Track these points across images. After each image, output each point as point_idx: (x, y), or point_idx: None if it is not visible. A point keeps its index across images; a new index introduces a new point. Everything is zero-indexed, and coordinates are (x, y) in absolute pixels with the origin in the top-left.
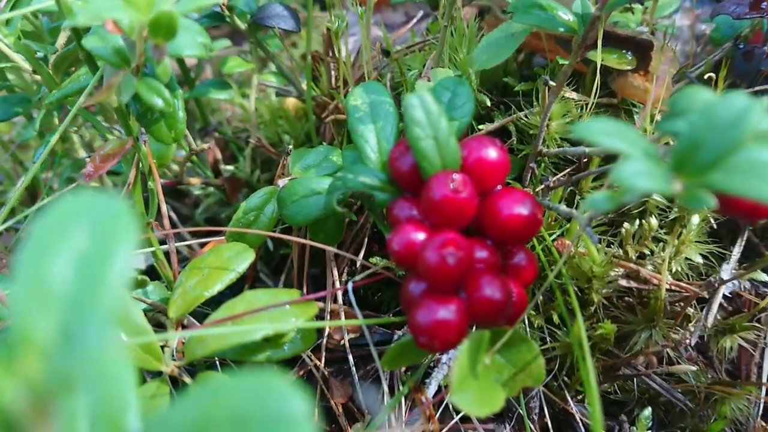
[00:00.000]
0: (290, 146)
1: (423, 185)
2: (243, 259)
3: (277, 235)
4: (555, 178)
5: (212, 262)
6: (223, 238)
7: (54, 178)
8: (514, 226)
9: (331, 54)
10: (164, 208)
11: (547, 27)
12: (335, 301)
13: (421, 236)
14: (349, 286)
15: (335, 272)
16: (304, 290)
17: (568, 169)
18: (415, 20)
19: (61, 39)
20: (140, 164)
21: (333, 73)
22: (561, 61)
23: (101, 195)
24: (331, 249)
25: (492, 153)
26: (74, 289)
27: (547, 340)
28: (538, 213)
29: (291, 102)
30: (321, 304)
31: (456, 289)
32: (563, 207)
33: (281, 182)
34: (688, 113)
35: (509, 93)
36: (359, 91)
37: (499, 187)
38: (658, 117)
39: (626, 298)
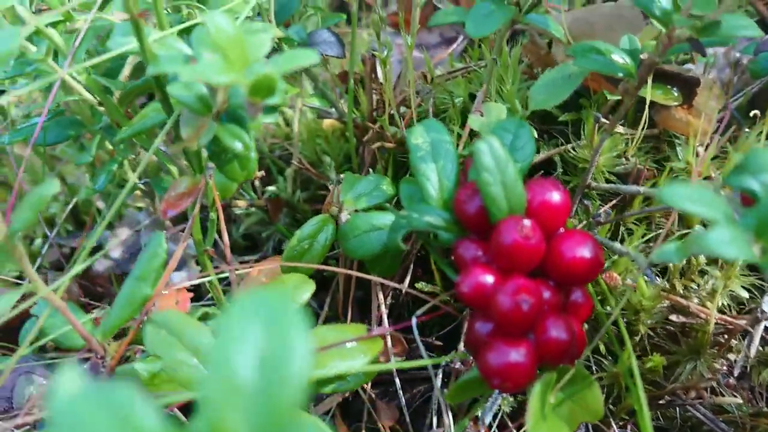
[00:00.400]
0: (341, 175)
1: (489, 228)
2: (304, 290)
3: (330, 267)
4: (603, 210)
5: None
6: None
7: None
8: (578, 268)
9: (372, 77)
10: (226, 238)
11: (605, 71)
12: (380, 323)
13: (490, 279)
14: (413, 321)
15: (380, 296)
16: (349, 313)
17: (614, 201)
18: (455, 45)
19: (125, 72)
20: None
21: (374, 96)
22: (609, 96)
23: (272, 295)
24: (377, 279)
25: (555, 196)
26: (258, 385)
27: (594, 369)
28: (600, 255)
29: (328, 121)
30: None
31: (526, 332)
32: (618, 245)
33: (343, 216)
34: (762, 174)
35: (550, 120)
36: (420, 130)
37: (561, 229)
38: (700, 150)
39: (668, 327)
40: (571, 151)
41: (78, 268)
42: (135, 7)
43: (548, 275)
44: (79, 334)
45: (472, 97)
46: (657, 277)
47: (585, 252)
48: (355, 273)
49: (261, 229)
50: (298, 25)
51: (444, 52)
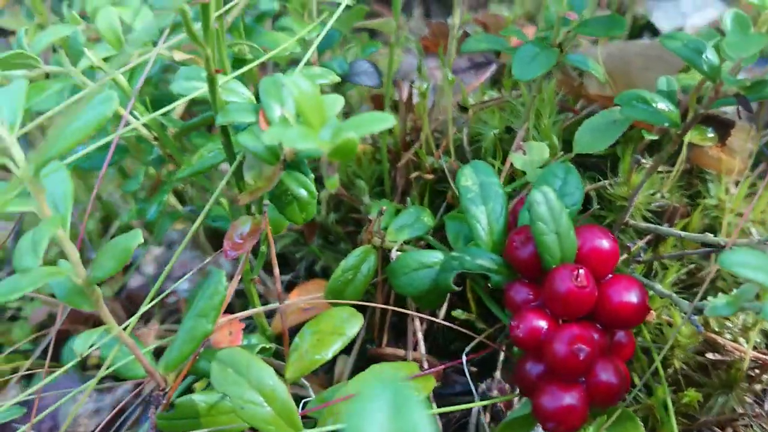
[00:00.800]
0: (383, 207)
1: (541, 272)
2: (353, 323)
3: (372, 304)
4: (638, 245)
5: (325, 327)
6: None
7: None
8: (626, 313)
9: (407, 104)
10: (277, 271)
11: (652, 121)
12: (415, 348)
13: (543, 324)
14: (463, 359)
15: (417, 322)
16: (385, 337)
17: (648, 237)
18: (488, 74)
19: (179, 109)
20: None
21: (409, 123)
22: (646, 135)
23: (393, 380)
24: (415, 314)
25: (605, 244)
26: None
27: (627, 400)
28: (647, 300)
29: (360, 145)
30: (401, 352)
31: (579, 377)
32: (659, 286)
33: (393, 254)
34: None
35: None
36: (469, 171)
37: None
38: (732, 188)
39: (699, 359)
40: (608, 188)
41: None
42: (214, 64)
43: (596, 318)
44: (144, 368)
45: (508, 129)
46: (701, 327)
47: (633, 297)
48: (394, 308)
49: (294, 249)
50: (340, 57)
51: (473, 76)
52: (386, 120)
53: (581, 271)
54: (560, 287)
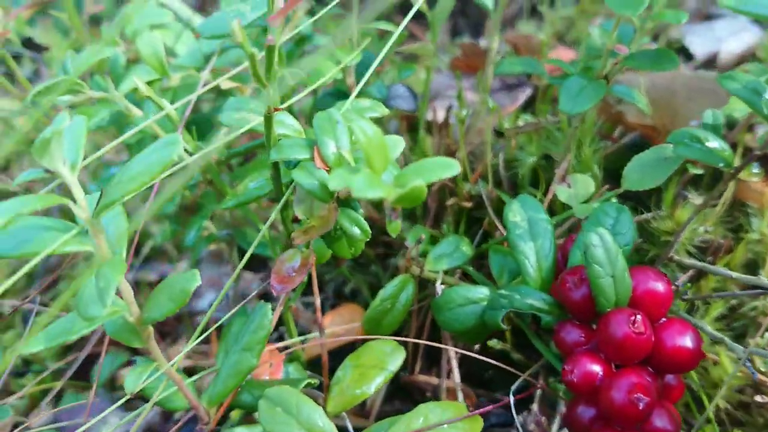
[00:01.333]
0: (422, 235)
1: (595, 315)
2: (395, 357)
3: (409, 340)
4: (681, 280)
5: (367, 360)
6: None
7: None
8: (681, 359)
9: (441, 128)
10: (318, 302)
11: (706, 161)
12: (448, 376)
13: (598, 369)
14: (511, 399)
15: (451, 351)
16: (418, 363)
17: (690, 272)
18: (523, 100)
19: (221, 138)
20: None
21: (443, 146)
22: (691, 170)
23: None
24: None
25: (659, 287)
26: None
27: None
28: (701, 345)
29: None
30: (435, 380)
31: (636, 425)
32: (709, 328)
33: (438, 288)
34: None
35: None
36: (517, 207)
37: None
38: None
39: (741, 397)
40: (652, 221)
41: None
42: (274, 103)
43: (649, 362)
44: (188, 401)
45: (546, 157)
46: (756, 373)
47: (688, 342)
48: (431, 343)
49: (323, 271)
50: (378, 82)
51: (506, 98)
52: (452, 167)
53: (639, 317)
54: (617, 332)
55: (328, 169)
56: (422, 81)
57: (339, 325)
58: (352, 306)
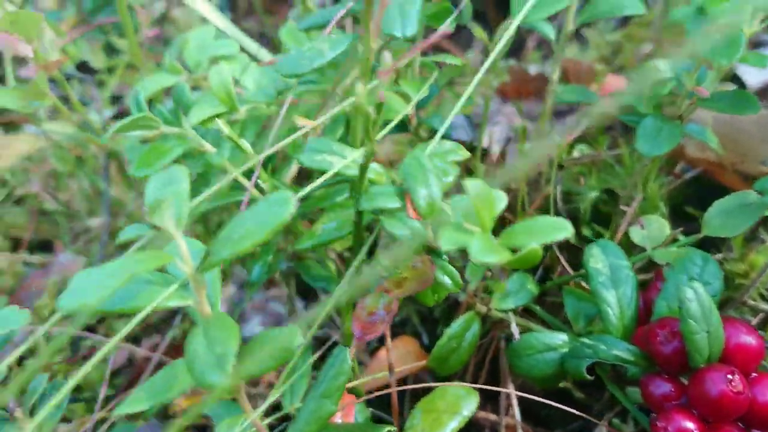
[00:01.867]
0: (489, 272)
1: (685, 369)
2: (469, 402)
3: (475, 386)
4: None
5: (440, 405)
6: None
7: None
8: None
9: (498, 161)
10: (389, 342)
11: None
12: (507, 412)
13: (692, 426)
14: None
15: (511, 387)
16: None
17: (760, 315)
18: (580, 130)
19: (291, 174)
20: None
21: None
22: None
23: None
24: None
25: (750, 340)
26: None
27: None
28: None
29: None
30: (493, 417)
31: None
32: None
33: (515, 331)
34: None
35: (687, 216)
36: (597, 252)
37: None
38: None
39: None
40: (722, 262)
41: None
42: (371, 154)
43: (740, 417)
44: None
45: (607, 191)
46: None
47: None
48: (492, 388)
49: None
50: (438, 114)
51: (555, 125)
52: (565, 229)
53: (736, 375)
54: (713, 391)
55: (419, 218)
56: (470, 107)
57: (395, 358)
58: (405, 338)
